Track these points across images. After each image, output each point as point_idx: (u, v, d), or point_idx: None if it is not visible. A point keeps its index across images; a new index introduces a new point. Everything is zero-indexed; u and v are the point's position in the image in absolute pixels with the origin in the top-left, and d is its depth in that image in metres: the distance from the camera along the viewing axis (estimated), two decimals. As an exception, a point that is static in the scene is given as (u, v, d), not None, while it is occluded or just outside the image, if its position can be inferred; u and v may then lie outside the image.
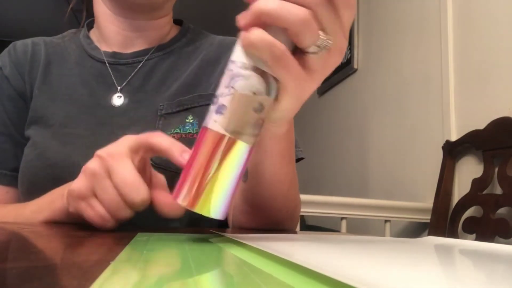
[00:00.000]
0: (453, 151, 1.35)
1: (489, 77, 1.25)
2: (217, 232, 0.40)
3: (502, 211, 1.14)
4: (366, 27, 2.08)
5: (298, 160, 0.57)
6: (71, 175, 0.52)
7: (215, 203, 0.30)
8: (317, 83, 0.33)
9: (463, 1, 1.39)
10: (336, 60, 0.32)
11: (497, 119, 1.18)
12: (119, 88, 0.60)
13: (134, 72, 0.61)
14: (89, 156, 0.51)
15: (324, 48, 0.30)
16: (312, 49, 0.30)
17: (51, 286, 0.15)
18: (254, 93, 0.30)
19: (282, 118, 0.36)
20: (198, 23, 0.72)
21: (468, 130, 1.28)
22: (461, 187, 1.33)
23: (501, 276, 0.23)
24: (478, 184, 1.21)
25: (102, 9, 0.63)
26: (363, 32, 2.11)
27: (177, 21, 0.70)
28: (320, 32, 0.30)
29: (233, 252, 0.27)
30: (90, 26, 0.69)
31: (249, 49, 0.30)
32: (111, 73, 0.61)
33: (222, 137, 0.29)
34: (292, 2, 0.28)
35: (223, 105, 0.30)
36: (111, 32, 0.63)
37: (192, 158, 0.30)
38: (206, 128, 0.30)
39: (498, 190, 1.16)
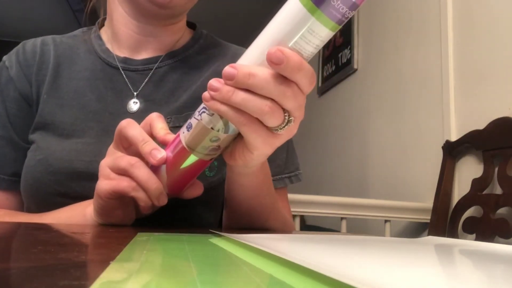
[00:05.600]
0: (453, 151, 1.35)
1: (489, 77, 1.25)
2: (217, 232, 0.40)
3: (502, 211, 1.14)
4: (366, 27, 2.08)
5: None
6: (73, 182, 0.52)
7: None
8: (283, 141, 0.38)
9: (463, 2, 1.39)
10: (298, 123, 0.37)
11: (497, 119, 1.18)
12: (135, 93, 0.59)
13: (146, 80, 0.60)
14: (92, 163, 0.53)
15: (287, 125, 0.36)
16: (276, 128, 0.36)
17: (51, 286, 0.15)
18: (212, 128, 0.36)
19: (254, 165, 0.43)
20: (210, 26, 0.72)
21: (468, 130, 1.28)
22: (461, 187, 1.33)
23: (501, 276, 0.23)
24: (478, 184, 1.21)
25: (117, 11, 0.61)
26: (363, 32, 2.11)
27: (189, 24, 0.68)
28: (285, 114, 0.35)
29: (233, 252, 0.27)
30: (101, 24, 0.67)
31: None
32: (125, 79, 0.60)
33: (182, 146, 0.39)
34: (258, 94, 0.33)
35: (191, 124, 0.38)
36: (123, 34, 0.61)
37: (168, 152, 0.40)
38: (179, 134, 0.39)
39: (498, 190, 1.16)
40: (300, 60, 0.32)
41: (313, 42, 0.32)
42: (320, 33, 0.32)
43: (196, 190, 0.43)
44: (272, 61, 0.31)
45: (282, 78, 0.33)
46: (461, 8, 1.40)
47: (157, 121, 0.42)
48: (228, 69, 0.33)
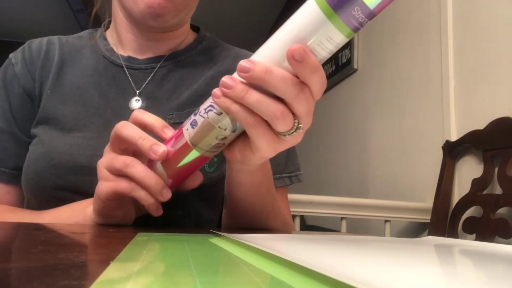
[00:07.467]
0: (453, 151, 1.35)
1: (489, 77, 1.25)
2: (217, 232, 0.40)
3: (502, 211, 1.14)
4: (366, 27, 2.07)
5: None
6: (74, 175, 0.53)
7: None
8: (286, 147, 0.38)
9: (463, 1, 1.39)
10: (304, 132, 0.37)
11: (497, 119, 1.18)
12: (137, 92, 0.60)
13: (149, 78, 0.61)
14: (93, 158, 0.53)
15: (295, 131, 0.35)
16: (284, 133, 0.35)
17: (51, 286, 0.15)
18: (219, 127, 0.36)
19: (253, 165, 0.41)
20: (212, 29, 0.72)
21: (468, 130, 1.28)
22: (461, 187, 1.33)
23: (501, 276, 0.23)
24: (478, 184, 1.21)
25: (119, 15, 0.62)
26: (363, 32, 2.11)
27: (193, 27, 0.70)
28: (294, 121, 0.34)
29: (233, 252, 0.27)
30: (107, 26, 0.68)
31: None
32: (129, 77, 0.61)
33: (186, 143, 0.38)
34: (272, 94, 0.32)
35: (196, 122, 0.37)
36: (126, 39, 0.63)
37: (168, 144, 0.39)
38: (181, 129, 0.39)
39: (498, 190, 1.16)
40: (317, 63, 0.32)
41: (328, 47, 0.32)
42: (336, 39, 0.32)
43: (195, 180, 0.43)
44: (294, 57, 0.31)
45: (297, 80, 0.32)
46: (461, 8, 1.40)
47: (144, 115, 0.42)
48: (244, 62, 0.32)
